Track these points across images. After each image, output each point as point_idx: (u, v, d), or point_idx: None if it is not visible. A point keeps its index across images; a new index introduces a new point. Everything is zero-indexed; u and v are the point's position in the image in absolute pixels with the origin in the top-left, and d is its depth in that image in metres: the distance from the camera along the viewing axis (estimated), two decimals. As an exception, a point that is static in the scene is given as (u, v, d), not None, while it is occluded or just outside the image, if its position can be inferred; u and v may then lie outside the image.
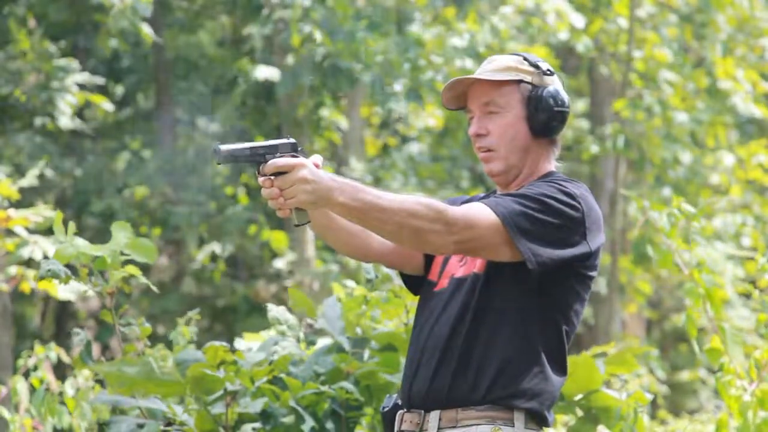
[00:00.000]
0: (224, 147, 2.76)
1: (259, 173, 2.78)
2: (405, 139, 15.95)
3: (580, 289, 2.97)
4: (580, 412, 4.58)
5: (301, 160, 2.75)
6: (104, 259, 4.06)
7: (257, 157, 2.77)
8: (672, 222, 4.45)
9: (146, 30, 11.33)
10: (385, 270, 4.54)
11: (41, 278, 3.98)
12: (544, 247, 2.86)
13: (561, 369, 2.96)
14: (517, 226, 2.84)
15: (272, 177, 2.75)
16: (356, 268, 12.53)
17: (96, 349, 13.24)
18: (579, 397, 4.56)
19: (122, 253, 4.11)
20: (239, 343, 4.87)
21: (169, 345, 4.66)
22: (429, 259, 3.12)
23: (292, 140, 2.82)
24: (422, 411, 2.95)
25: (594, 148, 14.50)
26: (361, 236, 3.08)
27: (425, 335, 2.98)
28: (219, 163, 2.77)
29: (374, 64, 12.21)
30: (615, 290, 14.48)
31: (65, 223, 4.13)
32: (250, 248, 14.20)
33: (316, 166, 2.80)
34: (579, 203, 2.92)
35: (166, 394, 4.25)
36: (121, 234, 4.10)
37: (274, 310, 4.51)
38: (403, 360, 4.39)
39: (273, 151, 2.79)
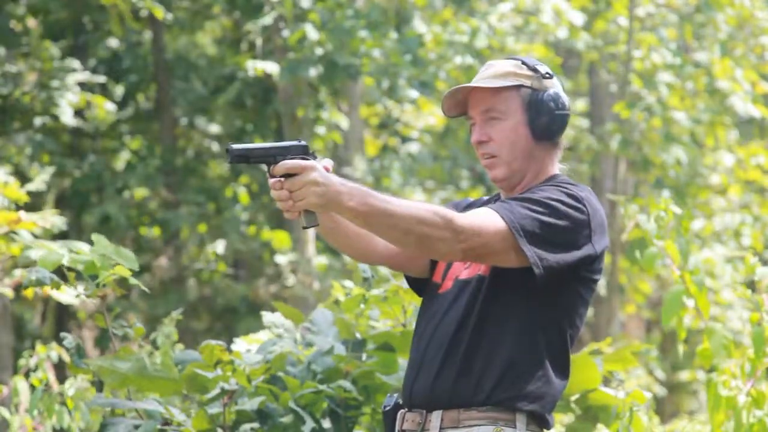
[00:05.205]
0: (236, 146, 2.77)
1: (269, 174, 2.77)
2: (405, 139, 15.92)
3: (584, 292, 2.98)
4: (578, 411, 4.58)
5: (311, 162, 2.75)
6: (93, 263, 3.96)
7: (268, 158, 2.77)
8: (660, 224, 4.43)
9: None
10: (382, 270, 4.53)
11: (25, 287, 3.89)
12: (550, 251, 2.87)
13: (563, 372, 2.98)
14: (524, 231, 2.85)
15: (282, 179, 2.75)
16: (356, 267, 12.49)
17: (95, 354, 13.21)
18: (577, 395, 4.57)
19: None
20: (237, 345, 4.86)
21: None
22: (433, 261, 3.13)
23: (303, 143, 2.82)
24: (424, 411, 2.96)
25: (592, 144, 14.50)
26: (366, 239, 3.09)
27: (428, 336, 2.99)
28: (230, 162, 2.77)
29: (373, 61, 12.20)
30: (615, 291, 14.48)
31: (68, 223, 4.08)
32: (251, 248, 14.18)
33: (327, 170, 2.80)
34: (584, 206, 2.93)
35: (160, 392, 4.24)
36: (101, 244, 4.00)
37: (269, 316, 4.50)
38: (400, 360, 4.39)
39: (284, 152, 2.78)
